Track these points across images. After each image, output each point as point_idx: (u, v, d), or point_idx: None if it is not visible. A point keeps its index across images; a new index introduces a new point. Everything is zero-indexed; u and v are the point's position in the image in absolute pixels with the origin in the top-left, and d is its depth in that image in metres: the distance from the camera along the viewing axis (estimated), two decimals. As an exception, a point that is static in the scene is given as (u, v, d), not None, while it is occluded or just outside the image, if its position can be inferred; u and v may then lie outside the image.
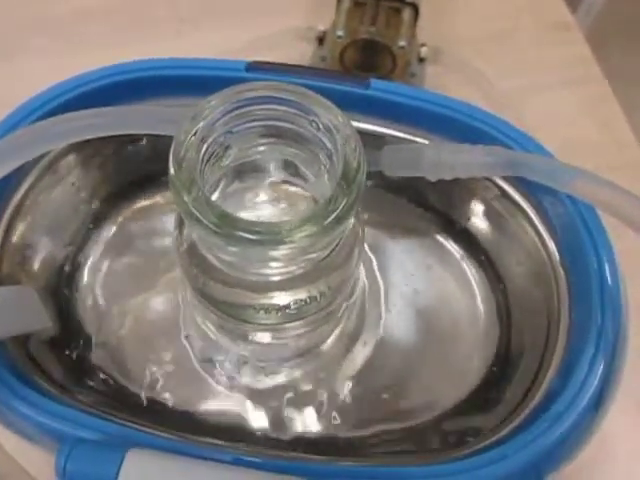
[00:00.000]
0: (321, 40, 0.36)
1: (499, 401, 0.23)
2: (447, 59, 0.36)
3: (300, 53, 0.36)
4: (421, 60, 0.36)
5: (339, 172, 0.17)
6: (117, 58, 0.25)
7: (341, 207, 0.16)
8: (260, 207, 0.21)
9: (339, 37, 0.34)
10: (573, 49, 0.40)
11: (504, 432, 0.20)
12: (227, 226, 0.16)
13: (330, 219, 0.16)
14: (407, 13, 0.35)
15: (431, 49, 0.36)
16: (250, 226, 0.16)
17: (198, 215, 0.16)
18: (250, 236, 0.16)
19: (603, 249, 0.21)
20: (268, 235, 0.16)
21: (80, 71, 0.24)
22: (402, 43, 0.34)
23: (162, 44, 0.37)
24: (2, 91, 0.29)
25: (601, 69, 0.40)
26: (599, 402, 0.19)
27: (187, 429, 0.21)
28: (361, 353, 0.25)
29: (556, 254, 0.23)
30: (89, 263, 0.26)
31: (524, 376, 0.22)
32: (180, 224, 0.20)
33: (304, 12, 0.39)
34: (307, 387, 0.24)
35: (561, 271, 0.22)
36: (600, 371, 0.19)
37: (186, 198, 0.16)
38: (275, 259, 0.17)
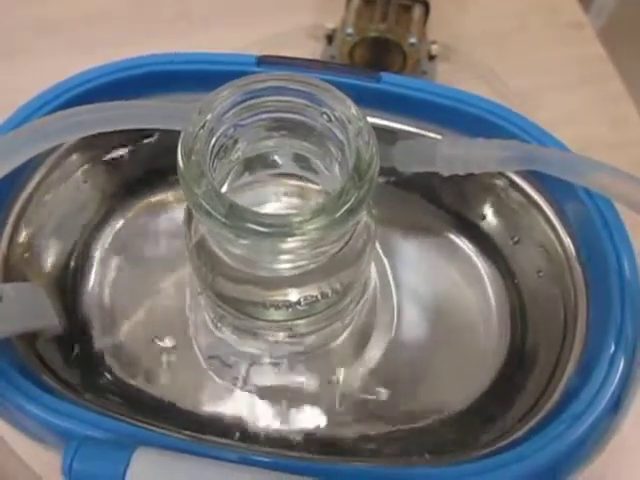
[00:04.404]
0: (330, 38, 0.36)
1: (514, 401, 0.22)
2: (458, 56, 0.36)
3: (309, 51, 0.36)
4: (431, 57, 0.35)
5: (351, 165, 0.16)
6: (126, 57, 0.25)
7: (352, 200, 0.16)
8: (270, 200, 0.21)
9: (349, 35, 0.34)
10: (586, 48, 0.40)
11: (520, 433, 0.20)
12: (237, 218, 0.15)
13: (341, 212, 0.16)
14: (417, 10, 0.35)
15: (442, 46, 0.35)
16: (260, 218, 0.15)
17: (208, 207, 0.16)
18: (260, 228, 0.15)
19: (622, 244, 0.20)
20: (278, 227, 0.15)
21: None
22: (412, 40, 0.34)
23: (171, 44, 0.37)
24: (7, 91, 0.29)
25: (614, 68, 0.39)
26: (619, 402, 0.18)
27: (195, 428, 0.21)
28: (372, 352, 0.24)
29: (572, 250, 0.22)
30: (97, 260, 0.26)
31: (540, 375, 0.22)
32: (189, 220, 0.20)
33: (313, 10, 0.39)
34: (317, 386, 0.24)
35: (578, 267, 0.22)
36: (620, 369, 0.18)
37: (196, 191, 0.16)
38: (285, 252, 0.17)
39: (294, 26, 0.36)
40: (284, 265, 0.18)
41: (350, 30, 0.34)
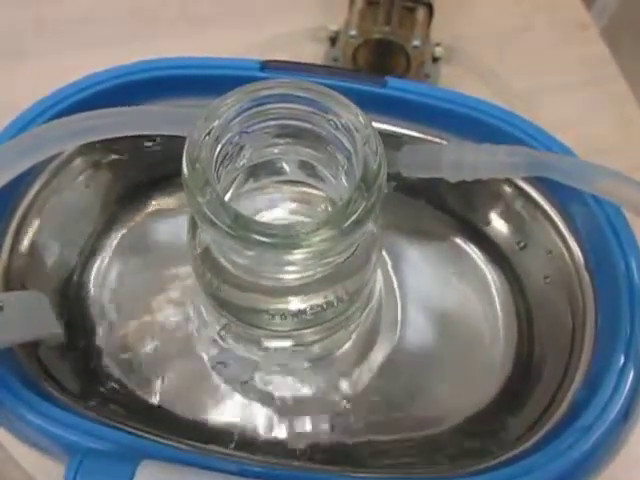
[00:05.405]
0: (333, 40, 0.35)
1: (521, 411, 0.22)
2: (461, 59, 0.36)
3: (312, 53, 0.35)
4: (435, 60, 0.35)
5: (358, 174, 0.16)
6: (127, 59, 0.24)
7: (360, 210, 0.16)
8: (275, 208, 0.21)
9: (352, 37, 0.34)
10: (590, 49, 0.40)
11: (527, 445, 0.19)
12: (242, 229, 0.15)
13: (348, 223, 0.15)
14: (421, 12, 0.35)
15: (445, 48, 0.35)
16: (266, 229, 0.15)
17: (212, 217, 0.15)
18: (266, 239, 0.15)
19: (631, 251, 0.20)
20: (284, 238, 0.15)
21: (92, 71, 0.24)
22: (416, 42, 0.33)
23: (172, 45, 0.37)
24: (7, 92, 0.29)
25: (618, 69, 0.39)
26: (628, 414, 0.18)
27: (198, 437, 0.21)
28: (377, 360, 0.24)
29: (580, 257, 0.22)
30: (100, 266, 0.25)
31: (547, 385, 0.21)
32: (193, 227, 0.20)
33: (316, 12, 0.39)
34: (321, 394, 0.23)
35: (586, 275, 0.22)
36: (630, 381, 0.18)
37: (200, 199, 0.16)
38: (291, 263, 0.16)
39: (297, 28, 0.36)
40: (289, 275, 0.17)
41: (353, 32, 0.34)
